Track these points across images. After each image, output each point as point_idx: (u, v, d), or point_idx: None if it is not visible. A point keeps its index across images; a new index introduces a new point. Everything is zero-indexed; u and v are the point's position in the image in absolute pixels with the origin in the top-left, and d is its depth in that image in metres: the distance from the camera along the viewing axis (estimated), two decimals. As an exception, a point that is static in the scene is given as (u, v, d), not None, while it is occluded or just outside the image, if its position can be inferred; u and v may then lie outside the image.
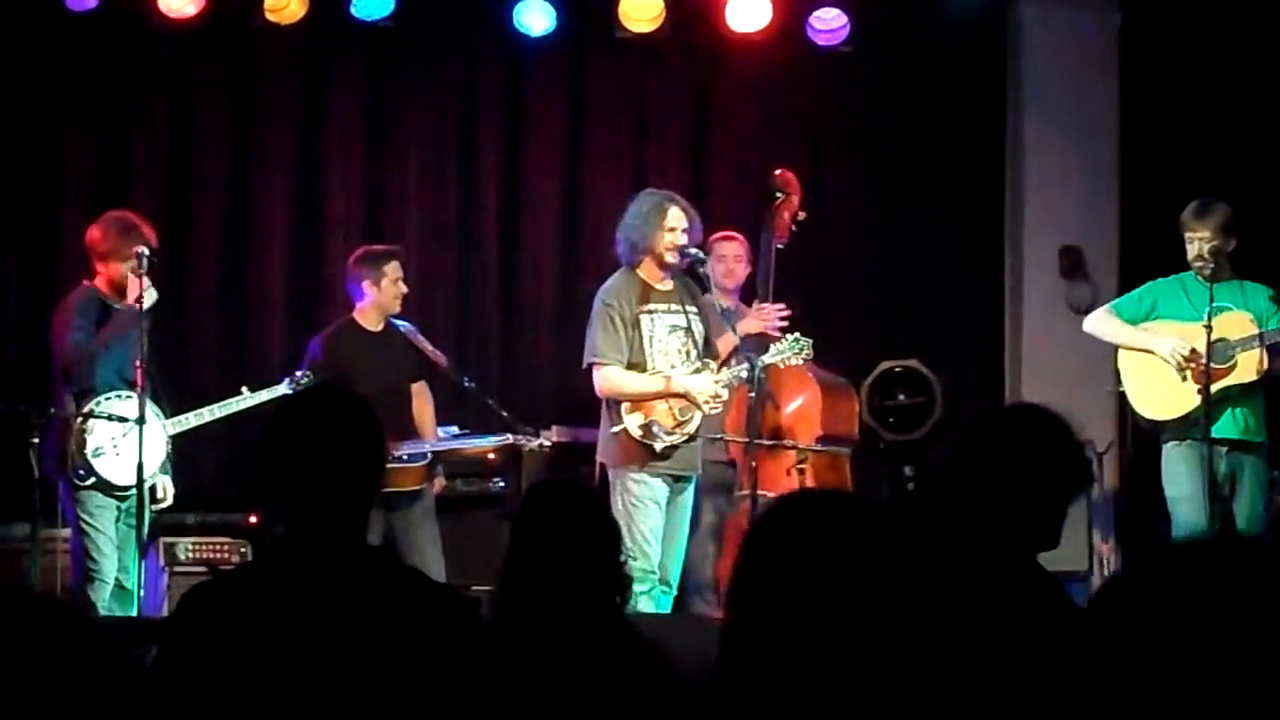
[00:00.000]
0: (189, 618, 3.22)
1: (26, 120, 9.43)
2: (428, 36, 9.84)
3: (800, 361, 7.63)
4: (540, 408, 9.62)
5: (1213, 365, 7.39)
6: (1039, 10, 10.15)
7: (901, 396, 9.73)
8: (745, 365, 7.40)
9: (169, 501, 7.83)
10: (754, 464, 8.05)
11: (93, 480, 7.48)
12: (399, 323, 8.44)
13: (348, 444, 3.26)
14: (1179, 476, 7.49)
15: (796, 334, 7.63)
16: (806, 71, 10.17)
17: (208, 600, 3.25)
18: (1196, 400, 7.43)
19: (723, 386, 7.44)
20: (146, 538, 7.51)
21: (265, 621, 3.13)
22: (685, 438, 7.42)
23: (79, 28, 9.30)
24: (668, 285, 7.55)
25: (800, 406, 8.14)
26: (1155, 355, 7.53)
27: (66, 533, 7.70)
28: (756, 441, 7.73)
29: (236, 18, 9.43)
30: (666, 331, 7.51)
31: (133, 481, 7.38)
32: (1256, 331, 7.40)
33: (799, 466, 8.07)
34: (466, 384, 8.51)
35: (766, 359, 7.51)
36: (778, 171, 8.08)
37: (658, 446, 7.37)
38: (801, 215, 8.27)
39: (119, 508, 7.56)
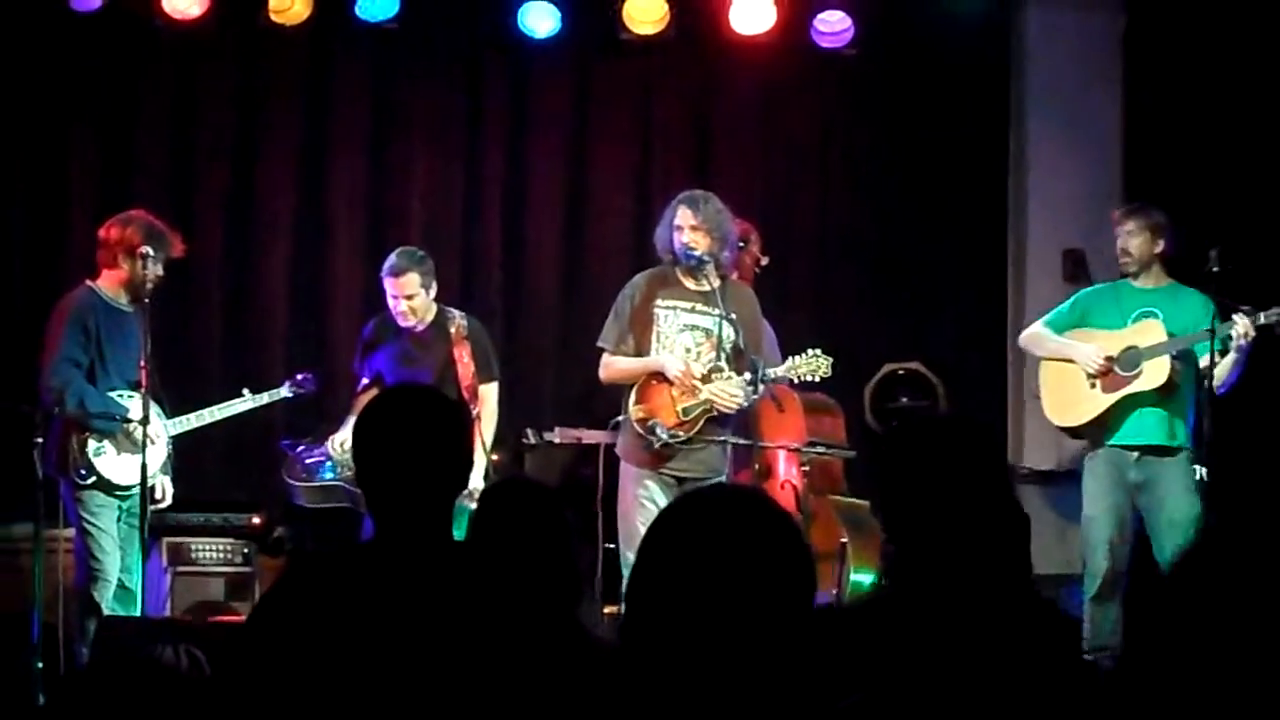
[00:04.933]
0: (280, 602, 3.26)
1: (31, 120, 9.44)
2: (432, 38, 9.85)
3: (818, 378, 7.56)
4: (543, 408, 9.64)
5: (1120, 373, 7.61)
6: (1043, 13, 10.16)
7: (904, 399, 9.74)
8: (748, 370, 7.38)
9: (168, 502, 7.85)
10: (756, 466, 8.09)
11: (94, 479, 7.49)
12: (454, 315, 8.27)
13: (433, 440, 3.30)
14: (1092, 493, 7.64)
15: (818, 350, 7.55)
16: (810, 74, 10.17)
17: (299, 587, 3.28)
18: (1104, 406, 7.63)
19: (736, 387, 7.38)
20: (147, 537, 7.51)
21: (353, 614, 3.16)
22: (684, 437, 7.38)
23: (84, 28, 9.31)
24: (703, 285, 7.51)
25: (780, 419, 8.09)
26: (1076, 363, 7.71)
27: (70, 532, 7.71)
28: (761, 444, 7.78)
29: (241, 18, 9.44)
30: (678, 329, 7.51)
31: (134, 481, 7.39)
32: (1166, 339, 7.54)
33: (803, 468, 8.12)
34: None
35: (780, 371, 7.48)
36: (736, 220, 8.05)
37: (655, 445, 7.37)
38: (764, 260, 8.38)
39: (120, 507, 7.57)
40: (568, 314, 9.90)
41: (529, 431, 9.04)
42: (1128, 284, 7.79)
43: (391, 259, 8.18)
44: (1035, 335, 8.00)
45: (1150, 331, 7.61)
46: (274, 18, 9.38)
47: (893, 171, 10.28)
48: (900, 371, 9.77)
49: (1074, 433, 7.92)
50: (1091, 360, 7.64)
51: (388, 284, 8.13)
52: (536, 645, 3.23)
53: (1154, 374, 7.57)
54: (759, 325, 7.72)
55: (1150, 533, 7.57)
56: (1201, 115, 9.80)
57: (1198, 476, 7.64)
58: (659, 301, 7.53)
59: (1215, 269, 7.48)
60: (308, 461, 8.25)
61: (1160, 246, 7.72)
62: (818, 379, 7.55)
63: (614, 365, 7.57)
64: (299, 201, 9.82)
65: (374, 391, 7.86)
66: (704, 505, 2.48)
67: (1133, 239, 7.72)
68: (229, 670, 3.25)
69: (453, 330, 8.17)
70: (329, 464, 8.20)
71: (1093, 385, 7.66)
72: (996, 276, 10.30)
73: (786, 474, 8.22)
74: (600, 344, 7.62)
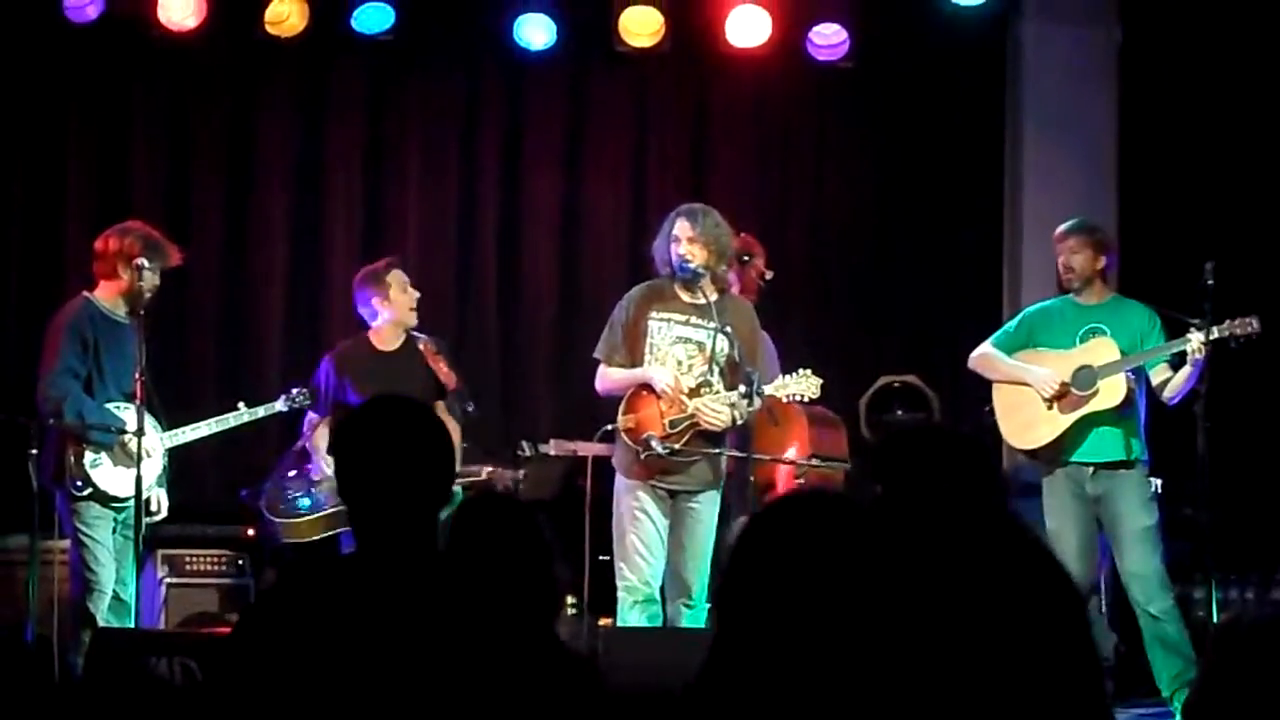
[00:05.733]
0: (257, 621, 3.26)
1: (28, 133, 9.46)
2: (428, 50, 9.86)
3: (806, 399, 7.54)
4: (539, 421, 9.64)
5: (1077, 392, 7.61)
6: (1039, 26, 10.17)
7: (900, 412, 9.72)
8: (742, 384, 7.37)
9: (163, 514, 7.83)
10: (751, 478, 8.07)
11: (89, 491, 7.48)
12: (420, 336, 8.31)
13: (416, 453, 3.30)
14: (1055, 509, 7.69)
15: (809, 370, 7.52)
16: (806, 87, 10.19)
17: (283, 599, 3.28)
18: (1063, 427, 7.63)
19: (725, 404, 7.38)
20: (142, 549, 7.50)
21: (336, 626, 3.15)
22: (670, 450, 7.36)
23: (80, 40, 9.33)
24: (697, 299, 7.49)
25: (786, 433, 8.08)
26: (1031, 387, 7.70)
27: (65, 544, 7.70)
28: (756, 456, 7.77)
29: (237, 30, 9.45)
30: (671, 341, 7.50)
31: (129, 493, 7.39)
32: (1119, 356, 7.58)
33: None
34: (469, 410, 8.33)
35: (769, 389, 7.45)
36: (740, 235, 8.05)
37: (643, 455, 7.37)
38: (769, 274, 8.39)
39: (116, 519, 7.56)
40: (564, 326, 9.90)
41: (524, 443, 9.03)
42: (1071, 300, 7.79)
43: (402, 275, 8.23)
44: (986, 357, 7.94)
45: (1102, 350, 7.63)
46: (270, 29, 9.39)
47: (888, 184, 10.29)
48: (896, 384, 9.75)
49: (1031, 454, 7.91)
50: (1047, 385, 7.65)
51: (396, 278, 8.20)
52: (514, 657, 3.23)
53: (1111, 392, 7.59)
54: (756, 339, 7.70)
55: (1112, 545, 7.62)
56: (1198, 128, 9.81)
57: (1153, 488, 7.71)
58: (653, 314, 7.52)
59: (1210, 282, 7.47)
60: (290, 497, 8.22)
61: (1103, 262, 7.77)
62: (806, 399, 7.53)
63: (608, 376, 7.59)
64: (295, 214, 9.83)
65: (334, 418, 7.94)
66: (797, 510, 2.48)
67: (1075, 256, 7.74)
68: (215, 682, 3.24)
69: (422, 348, 8.24)
70: (316, 491, 8.17)
71: (1050, 407, 7.68)
72: (992, 289, 10.31)
73: (786, 487, 8.22)
74: (596, 355, 7.63)
